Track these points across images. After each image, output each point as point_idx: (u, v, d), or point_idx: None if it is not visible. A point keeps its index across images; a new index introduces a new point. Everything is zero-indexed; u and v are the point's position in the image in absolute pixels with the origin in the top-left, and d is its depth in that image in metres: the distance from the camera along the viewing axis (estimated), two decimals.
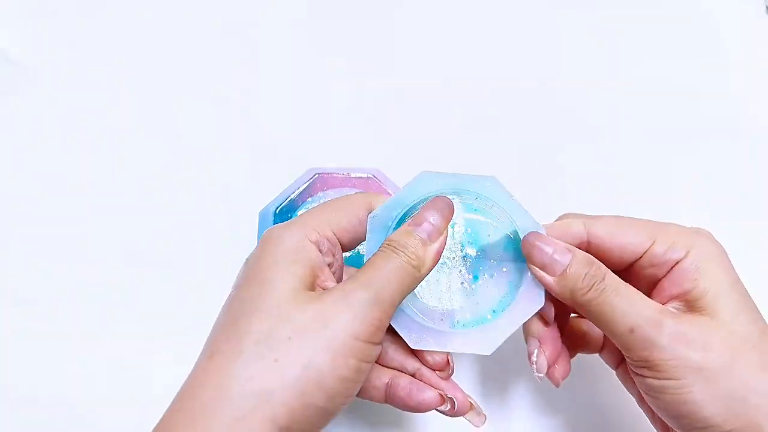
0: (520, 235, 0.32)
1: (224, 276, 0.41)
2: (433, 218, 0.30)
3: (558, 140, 0.49)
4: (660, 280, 0.32)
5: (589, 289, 0.30)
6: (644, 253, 0.32)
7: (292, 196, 0.40)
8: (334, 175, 0.42)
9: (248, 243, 0.41)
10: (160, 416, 0.27)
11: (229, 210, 0.45)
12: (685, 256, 0.31)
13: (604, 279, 0.30)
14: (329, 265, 0.31)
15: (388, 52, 0.52)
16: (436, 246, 0.30)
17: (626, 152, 0.48)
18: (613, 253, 0.32)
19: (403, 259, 0.29)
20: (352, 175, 0.42)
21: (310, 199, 0.40)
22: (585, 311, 0.31)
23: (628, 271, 0.33)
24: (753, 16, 0.53)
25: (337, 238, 0.31)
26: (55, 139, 0.48)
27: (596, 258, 0.32)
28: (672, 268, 0.32)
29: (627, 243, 0.32)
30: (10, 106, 0.48)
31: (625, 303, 0.30)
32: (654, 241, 0.32)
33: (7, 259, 0.45)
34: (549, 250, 0.31)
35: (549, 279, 0.31)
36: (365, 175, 0.42)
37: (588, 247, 0.33)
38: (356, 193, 0.35)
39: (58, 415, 0.41)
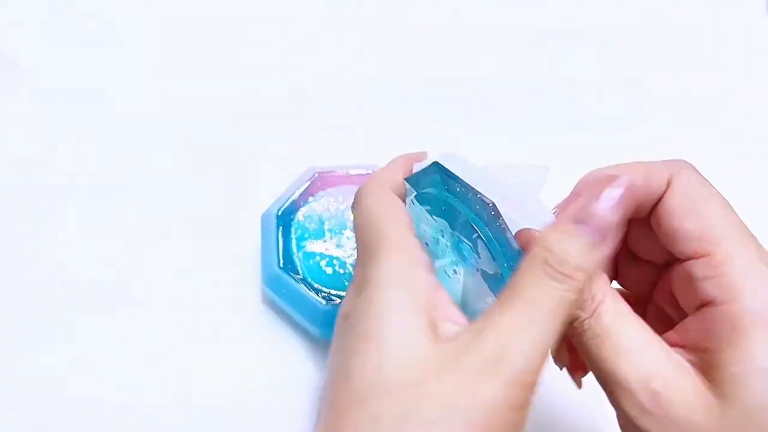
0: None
1: (229, 280, 0.41)
2: (603, 206, 0.22)
3: (558, 139, 0.49)
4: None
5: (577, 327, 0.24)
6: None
7: (293, 198, 0.40)
8: (334, 173, 0.42)
9: (251, 246, 0.41)
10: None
11: (229, 212, 0.44)
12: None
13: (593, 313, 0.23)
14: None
15: (385, 47, 0.52)
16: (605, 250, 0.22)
17: (623, 152, 0.48)
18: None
19: (566, 287, 0.21)
20: (351, 173, 0.42)
21: (311, 198, 0.40)
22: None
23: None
24: (753, 15, 0.53)
25: None
26: (55, 140, 0.48)
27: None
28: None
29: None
30: (10, 106, 0.48)
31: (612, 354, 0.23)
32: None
33: None
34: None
35: None
36: (364, 172, 0.42)
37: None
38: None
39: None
